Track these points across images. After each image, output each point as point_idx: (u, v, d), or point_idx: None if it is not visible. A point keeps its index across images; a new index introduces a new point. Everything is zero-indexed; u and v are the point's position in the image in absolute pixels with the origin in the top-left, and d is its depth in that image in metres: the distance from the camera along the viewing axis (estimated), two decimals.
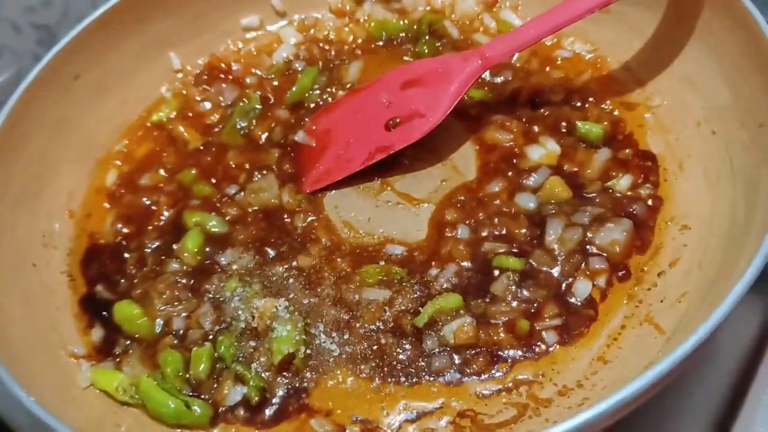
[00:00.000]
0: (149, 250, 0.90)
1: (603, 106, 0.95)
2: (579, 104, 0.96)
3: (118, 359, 0.81)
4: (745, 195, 0.76)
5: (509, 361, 0.75)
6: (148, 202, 0.96)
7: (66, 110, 0.97)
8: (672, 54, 0.91)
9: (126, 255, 0.90)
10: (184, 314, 0.83)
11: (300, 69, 1.08)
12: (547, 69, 1.02)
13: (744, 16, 0.80)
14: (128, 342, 0.82)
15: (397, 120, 0.92)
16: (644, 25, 0.95)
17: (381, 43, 1.11)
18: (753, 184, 0.75)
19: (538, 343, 0.76)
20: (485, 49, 0.89)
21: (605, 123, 0.91)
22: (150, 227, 0.93)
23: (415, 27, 1.10)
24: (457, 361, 0.76)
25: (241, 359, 0.78)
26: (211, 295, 0.84)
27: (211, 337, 0.80)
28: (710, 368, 0.79)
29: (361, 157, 0.92)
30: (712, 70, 0.86)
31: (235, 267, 0.86)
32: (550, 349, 0.76)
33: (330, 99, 1.04)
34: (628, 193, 0.86)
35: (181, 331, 0.82)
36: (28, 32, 1.22)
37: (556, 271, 0.80)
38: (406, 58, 1.08)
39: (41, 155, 0.94)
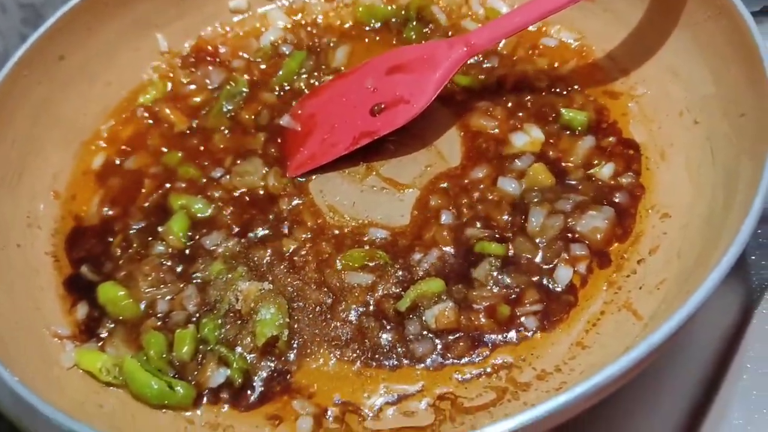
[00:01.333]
0: (134, 232, 0.90)
1: (587, 93, 0.96)
2: (564, 92, 0.96)
3: (101, 340, 0.81)
4: (725, 185, 0.76)
5: (489, 345, 0.76)
6: (133, 184, 0.96)
7: (51, 91, 0.97)
8: (656, 44, 0.92)
9: (111, 237, 0.90)
10: (168, 296, 0.83)
11: (287, 53, 1.08)
12: (533, 56, 1.02)
13: (727, 7, 0.80)
14: (112, 323, 0.82)
15: (382, 105, 0.93)
16: (629, 15, 0.95)
17: (368, 28, 1.11)
18: (733, 174, 0.76)
19: (519, 329, 0.77)
20: (471, 37, 0.90)
21: (589, 111, 0.92)
22: (135, 209, 0.93)
23: (402, 12, 1.10)
24: (438, 346, 0.77)
25: (224, 341, 0.79)
26: (195, 278, 0.84)
27: (194, 319, 0.81)
28: (686, 354, 0.80)
29: (346, 141, 0.93)
30: (696, 60, 0.87)
31: (220, 250, 0.87)
32: (530, 334, 0.77)
33: (317, 83, 1.04)
34: (611, 182, 0.86)
35: (165, 313, 0.82)
36: (13, 11, 1.21)
37: (537, 258, 0.81)
38: (393, 43, 1.08)
39: (26, 136, 0.93)
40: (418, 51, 0.94)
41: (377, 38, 1.09)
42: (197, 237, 0.88)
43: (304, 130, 0.97)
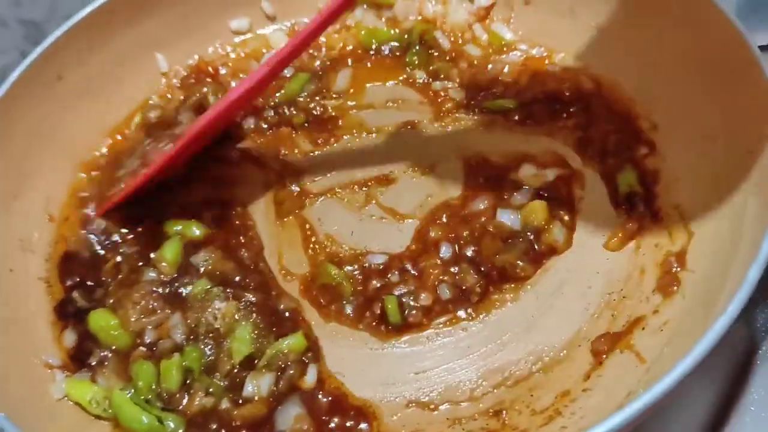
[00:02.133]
0: (125, 257, 0.88)
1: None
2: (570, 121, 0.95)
3: (92, 370, 0.79)
4: (731, 224, 0.75)
5: None
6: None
7: (48, 111, 0.95)
8: (663, 76, 0.90)
9: (103, 262, 0.89)
10: (156, 324, 0.81)
11: (288, 75, 1.07)
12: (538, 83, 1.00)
13: (737, 40, 0.79)
14: (104, 352, 0.80)
15: None
16: (636, 44, 0.94)
17: (371, 52, 1.09)
18: (739, 212, 0.74)
19: None
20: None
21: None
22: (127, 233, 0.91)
23: (405, 37, 1.08)
24: None
25: (206, 367, 0.77)
26: (182, 300, 0.83)
27: (183, 347, 0.79)
28: (689, 396, 0.79)
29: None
30: (703, 93, 0.85)
31: (209, 267, 0.85)
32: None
33: (318, 107, 1.02)
34: None
35: (153, 342, 0.80)
36: (14, 27, 1.21)
37: None
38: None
39: (22, 156, 0.91)
40: None
41: (379, 62, 1.08)
42: (187, 257, 0.87)
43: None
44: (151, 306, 0.82)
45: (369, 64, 1.08)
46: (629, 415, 0.57)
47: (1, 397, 0.68)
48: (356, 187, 0.93)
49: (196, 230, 0.89)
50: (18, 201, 0.90)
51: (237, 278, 0.84)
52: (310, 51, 1.10)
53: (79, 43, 0.97)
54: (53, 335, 0.83)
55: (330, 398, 0.75)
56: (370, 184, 0.93)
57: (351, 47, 1.10)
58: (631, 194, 0.86)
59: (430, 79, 1.04)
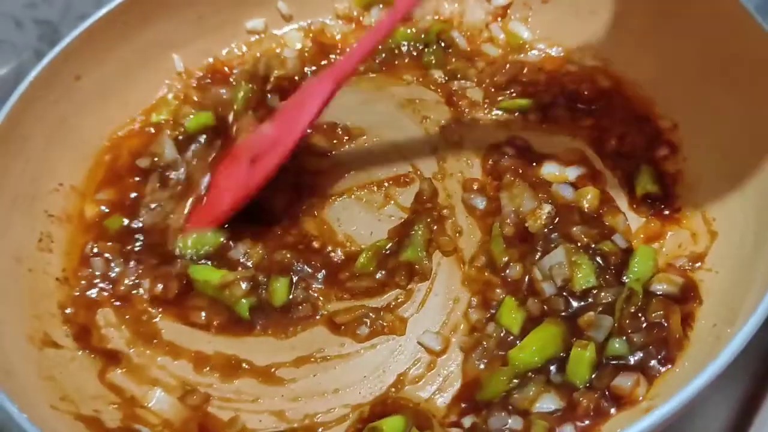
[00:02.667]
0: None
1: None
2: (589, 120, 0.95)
3: None
4: (756, 224, 0.74)
5: None
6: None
7: (66, 111, 0.95)
8: (684, 75, 0.90)
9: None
10: None
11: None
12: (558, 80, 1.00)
13: (760, 38, 0.79)
14: None
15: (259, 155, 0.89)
16: (656, 43, 0.93)
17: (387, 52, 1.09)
18: (763, 213, 0.74)
19: None
20: (335, 70, 0.86)
21: None
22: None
23: (422, 36, 1.08)
24: None
25: None
26: None
27: None
28: (706, 410, 0.78)
29: (227, 199, 0.89)
30: (724, 92, 0.84)
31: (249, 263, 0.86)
32: None
33: None
34: None
35: None
36: (29, 27, 1.21)
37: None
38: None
39: (40, 156, 0.92)
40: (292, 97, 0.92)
41: (396, 62, 1.07)
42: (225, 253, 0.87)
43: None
44: None
45: (385, 64, 1.07)
46: (658, 418, 0.57)
47: (22, 399, 0.68)
48: (374, 187, 0.93)
49: (209, 235, 0.89)
50: (37, 200, 0.90)
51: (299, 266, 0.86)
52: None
53: (97, 43, 0.97)
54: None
55: None
56: (388, 184, 0.93)
57: None
58: (650, 194, 0.85)
59: (448, 79, 1.03)
